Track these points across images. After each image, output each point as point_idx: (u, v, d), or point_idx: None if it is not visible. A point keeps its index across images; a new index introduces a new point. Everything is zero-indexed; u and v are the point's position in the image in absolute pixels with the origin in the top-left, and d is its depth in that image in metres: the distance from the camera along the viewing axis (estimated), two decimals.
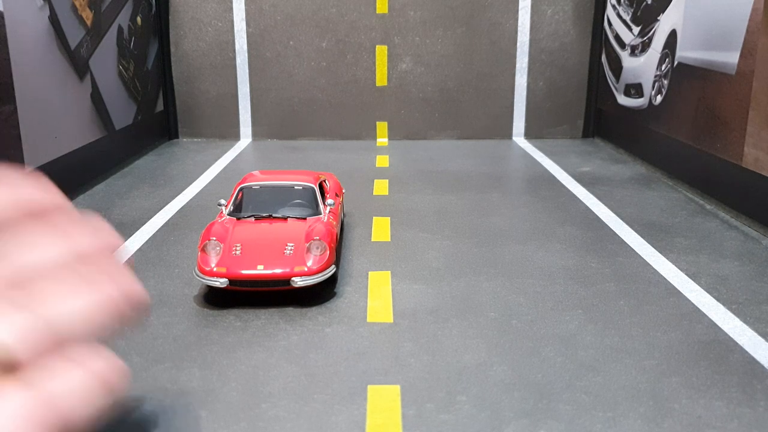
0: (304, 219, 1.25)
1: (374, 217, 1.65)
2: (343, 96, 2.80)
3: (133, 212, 1.71)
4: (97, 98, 2.09)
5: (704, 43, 1.86)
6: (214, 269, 1.11)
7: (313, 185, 1.34)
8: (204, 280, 1.12)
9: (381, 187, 1.98)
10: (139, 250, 1.43)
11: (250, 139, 2.81)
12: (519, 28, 2.74)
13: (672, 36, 2.07)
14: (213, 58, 2.77)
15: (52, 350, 0.64)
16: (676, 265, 1.33)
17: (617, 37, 2.56)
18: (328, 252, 1.14)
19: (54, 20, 1.80)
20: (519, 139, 2.81)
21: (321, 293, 1.17)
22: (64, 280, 0.70)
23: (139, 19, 2.47)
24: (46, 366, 0.64)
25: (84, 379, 0.65)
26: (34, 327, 0.66)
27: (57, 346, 0.66)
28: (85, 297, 0.71)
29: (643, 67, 2.31)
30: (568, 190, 1.94)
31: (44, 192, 0.72)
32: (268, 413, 0.81)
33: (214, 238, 1.16)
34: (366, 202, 1.80)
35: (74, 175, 1.91)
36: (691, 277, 1.26)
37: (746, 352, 0.98)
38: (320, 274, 1.13)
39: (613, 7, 2.60)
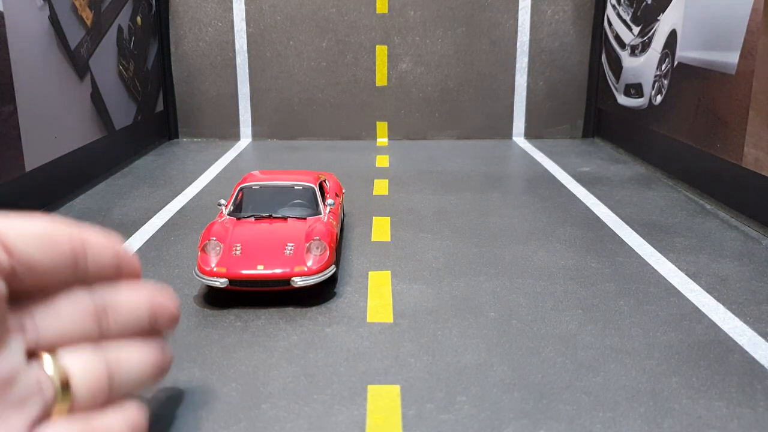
0: (304, 219, 1.25)
1: (374, 217, 1.65)
2: (343, 96, 2.80)
3: (133, 212, 1.71)
4: (97, 98, 2.09)
5: (704, 43, 1.86)
6: (214, 269, 1.12)
7: (313, 185, 1.34)
8: (204, 280, 1.12)
9: (381, 187, 1.98)
10: (139, 250, 1.43)
11: (250, 139, 2.81)
12: (519, 28, 2.74)
13: (672, 36, 2.07)
14: (213, 58, 2.77)
15: (104, 400, 0.67)
16: (676, 265, 1.33)
17: (617, 37, 2.56)
18: (328, 252, 1.14)
19: (54, 20, 1.80)
20: (519, 139, 2.81)
21: (321, 293, 1.17)
22: (135, 335, 0.74)
23: (139, 19, 2.47)
24: (93, 412, 0.66)
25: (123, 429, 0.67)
26: (99, 374, 0.69)
27: (109, 396, 0.69)
28: (145, 360, 0.76)
29: (643, 67, 2.31)
30: (568, 190, 1.94)
31: (129, 256, 0.76)
32: (268, 413, 0.81)
33: (214, 238, 1.16)
34: (366, 202, 1.80)
35: (74, 175, 1.91)
36: (691, 277, 1.26)
37: (746, 352, 0.98)
38: (320, 274, 1.13)
39: (613, 7, 2.60)
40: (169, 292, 0.76)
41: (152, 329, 0.73)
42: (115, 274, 0.71)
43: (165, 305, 0.75)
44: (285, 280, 1.11)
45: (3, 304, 0.58)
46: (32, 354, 0.61)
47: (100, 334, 0.67)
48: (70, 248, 0.65)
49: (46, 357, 0.61)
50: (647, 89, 2.27)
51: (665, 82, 2.12)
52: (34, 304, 0.63)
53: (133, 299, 0.71)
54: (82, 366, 0.63)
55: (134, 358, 0.69)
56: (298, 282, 1.11)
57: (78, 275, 0.66)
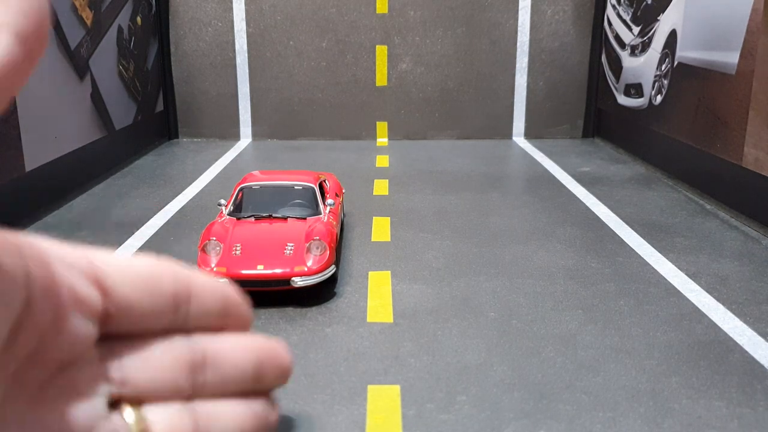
0: (304, 219, 1.25)
1: (374, 217, 1.65)
2: (343, 96, 2.80)
3: (133, 212, 1.71)
4: (97, 98, 2.09)
5: (704, 43, 1.86)
6: (214, 269, 1.11)
7: (313, 185, 1.34)
8: None
9: (381, 187, 1.98)
10: (139, 250, 1.43)
11: (250, 139, 2.81)
12: (519, 28, 2.74)
13: (672, 36, 2.07)
14: (213, 58, 2.77)
15: None
16: (676, 265, 1.33)
17: (617, 37, 2.56)
18: (328, 252, 1.14)
19: (54, 20, 1.80)
20: (519, 139, 2.81)
21: (321, 293, 1.17)
22: (236, 392, 0.69)
23: (139, 19, 2.47)
24: None
25: None
26: (184, 430, 0.64)
27: None
28: (243, 421, 0.71)
29: (643, 67, 2.31)
30: (568, 190, 1.94)
31: (239, 304, 0.72)
32: None
33: (214, 238, 1.16)
34: (366, 202, 1.80)
35: (74, 175, 1.91)
36: (691, 277, 1.26)
37: (746, 352, 0.98)
38: (320, 274, 1.13)
39: (613, 7, 2.60)
40: (282, 345, 0.76)
41: (257, 386, 0.71)
42: (221, 323, 0.68)
43: (275, 358, 0.73)
44: (285, 280, 1.11)
45: (91, 349, 0.56)
46: (115, 402, 0.59)
47: (194, 388, 0.64)
48: (173, 291, 0.63)
49: (128, 409, 0.59)
50: (647, 89, 2.27)
51: (665, 82, 2.12)
52: (124, 349, 0.61)
53: (238, 351, 0.68)
54: (166, 420, 0.61)
55: (229, 417, 0.66)
56: (298, 282, 1.11)
57: (178, 321, 0.64)
